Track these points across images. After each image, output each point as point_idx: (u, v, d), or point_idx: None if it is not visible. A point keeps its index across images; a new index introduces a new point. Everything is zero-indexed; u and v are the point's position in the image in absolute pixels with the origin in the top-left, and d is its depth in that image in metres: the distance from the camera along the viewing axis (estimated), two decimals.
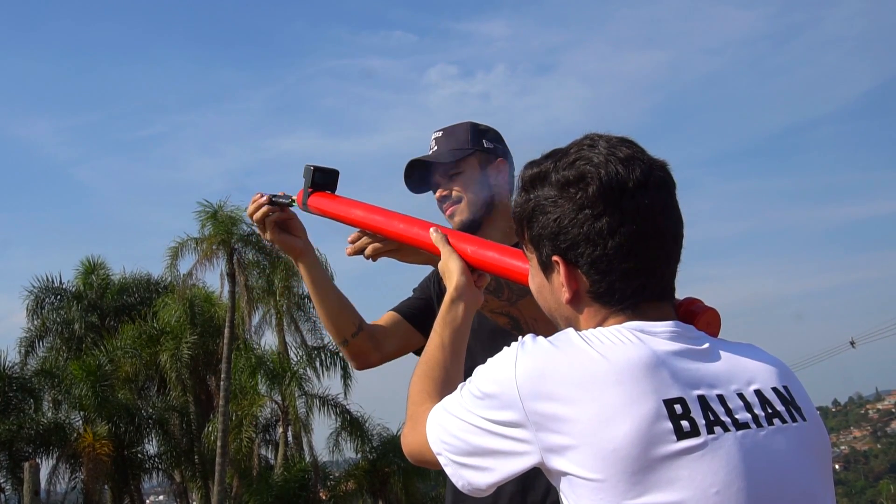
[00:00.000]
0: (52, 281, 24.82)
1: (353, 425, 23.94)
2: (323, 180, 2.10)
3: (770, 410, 1.19)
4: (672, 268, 1.27)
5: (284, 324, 24.72)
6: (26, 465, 11.94)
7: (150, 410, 23.14)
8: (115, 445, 21.17)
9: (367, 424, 24.25)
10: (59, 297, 24.75)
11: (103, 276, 25.42)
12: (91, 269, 25.36)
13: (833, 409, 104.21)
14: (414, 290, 2.42)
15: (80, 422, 21.92)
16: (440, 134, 2.29)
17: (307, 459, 24.05)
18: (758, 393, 1.20)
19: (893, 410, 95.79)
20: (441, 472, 1.30)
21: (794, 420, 1.20)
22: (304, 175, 2.10)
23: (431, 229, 1.75)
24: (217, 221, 21.10)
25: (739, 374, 1.21)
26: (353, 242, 2.02)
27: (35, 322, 24.36)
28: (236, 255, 21.45)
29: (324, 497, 24.27)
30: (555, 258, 1.26)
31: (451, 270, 1.65)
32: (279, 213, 2.12)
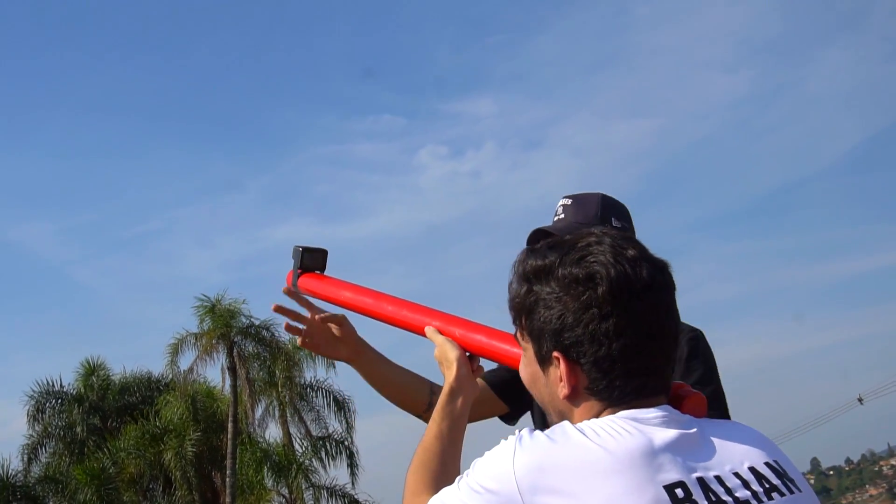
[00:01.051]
0: (53, 384, 24.54)
1: None
2: (312, 261, 2.08)
3: (767, 485, 1.20)
4: (671, 366, 1.27)
5: (288, 415, 24.50)
6: None
7: None
8: None
9: None
10: (60, 400, 24.49)
11: (104, 377, 25.18)
12: (91, 370, 25.15)
13: (846, 468, 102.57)
14: None
15: None
16: (569, 202, 2.16)
17: None
18: (752, 470, 1.21)
19: None
20: None
21: (790, 492, 1.21)
22: (293, 256, 2.09)
23: (427, 328, 1.73)
24: (215, 315, 21.10)
25: (731, 453, 1.22)
26: None
27: (36, 428, 24.07)
28: (236, 348, 21.38)
29: None
30: (555, 354, 1.24)
31: (451, 360, 1.65)
32: (304, 329, 2.00)
